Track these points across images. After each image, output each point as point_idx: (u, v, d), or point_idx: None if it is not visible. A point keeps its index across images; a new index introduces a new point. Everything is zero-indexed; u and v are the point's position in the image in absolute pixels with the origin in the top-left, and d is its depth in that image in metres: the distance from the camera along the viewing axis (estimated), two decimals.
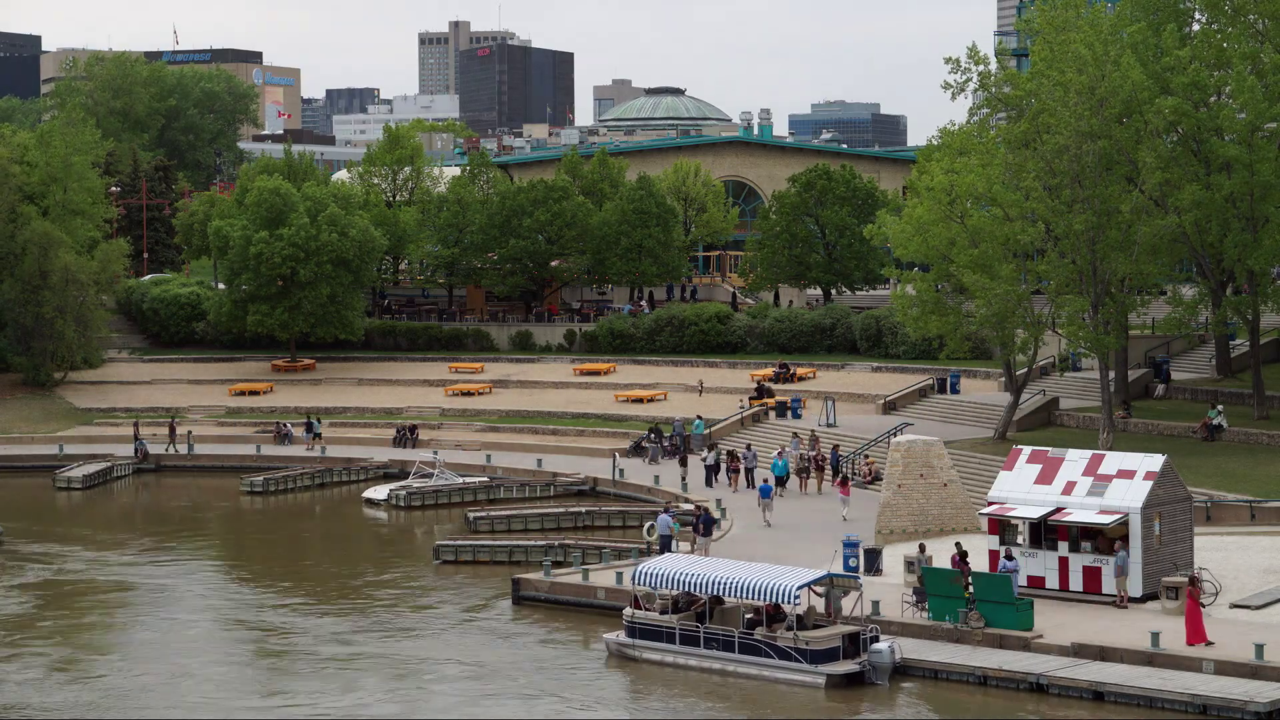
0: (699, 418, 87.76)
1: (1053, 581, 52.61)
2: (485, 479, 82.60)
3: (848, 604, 49.54)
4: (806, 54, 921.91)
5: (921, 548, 54.78)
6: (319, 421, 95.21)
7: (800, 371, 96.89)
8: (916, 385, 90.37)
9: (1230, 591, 51.90)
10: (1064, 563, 52.57)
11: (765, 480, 71.01)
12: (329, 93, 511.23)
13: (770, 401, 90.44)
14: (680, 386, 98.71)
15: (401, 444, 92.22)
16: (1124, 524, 51.69)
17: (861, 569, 56.19)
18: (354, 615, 57.43)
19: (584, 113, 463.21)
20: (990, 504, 54.28)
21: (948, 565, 51.91)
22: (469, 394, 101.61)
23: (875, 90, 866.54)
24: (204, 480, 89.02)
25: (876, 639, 47.77)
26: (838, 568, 54.69)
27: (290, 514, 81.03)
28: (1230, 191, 73.36)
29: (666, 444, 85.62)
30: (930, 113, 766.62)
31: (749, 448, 78.99)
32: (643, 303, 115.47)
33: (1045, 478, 53.71)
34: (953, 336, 79.28)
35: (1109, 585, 51.79)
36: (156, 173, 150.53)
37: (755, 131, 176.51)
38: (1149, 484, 51.89)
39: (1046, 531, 52.91)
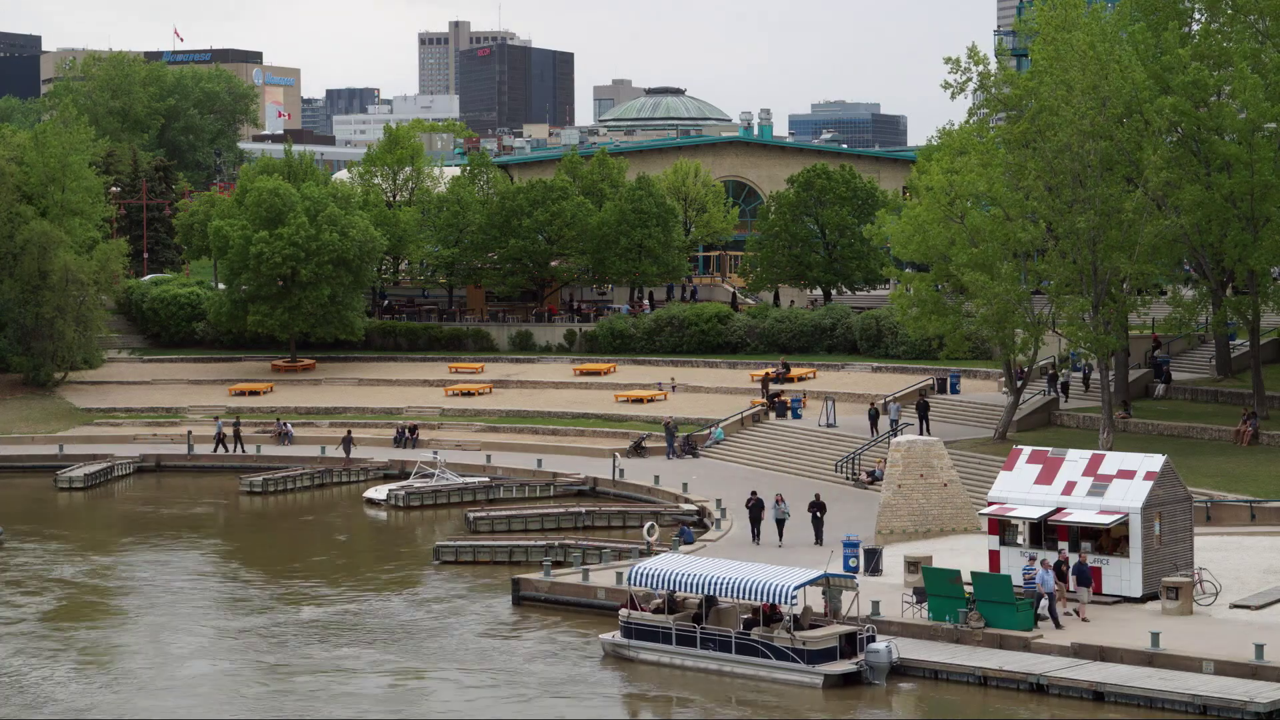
0: (718, 427, 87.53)
1: None
2: (485, 479, 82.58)
3: (845, 603, 49.54)
4: (806, 54, 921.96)
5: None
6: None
7: (799, 372, 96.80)
8: (916, 385, 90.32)
9: (1230, 591, 51.89)
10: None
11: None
12: (329, 93, 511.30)
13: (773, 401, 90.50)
14: (681, 386, 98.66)
15: (402, 444, 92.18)
16: (1124, 524, 51.69)
17: (861, 569, 56.19)
18: (353, 615, 57.41)
19: (584, 113, 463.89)
20: (990, 504, 54.26)
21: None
22: (469, 394, 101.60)
23: (875, 90, 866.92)
24: (204, 480, 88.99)
25: (873, 639, 47.75)
26: (836, 568, 54.66)
27: (290, 514, 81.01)
28: (1230, 191, 73.34)
29: (683, 443, 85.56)
30: (930, 113, 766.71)
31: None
32: (643, 303, 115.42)
33: (1045, 478, 53.70)
34: (952, 336, 79.27)
35: (1108, 585, 51.80)
36: (156, 173, 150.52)
37: (755, 131, 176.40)
38: (1149, 484, 51.87)
39: (1046, 532, 52.91)
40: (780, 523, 64.28)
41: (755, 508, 64.99)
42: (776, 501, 64.98)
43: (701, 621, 49.62)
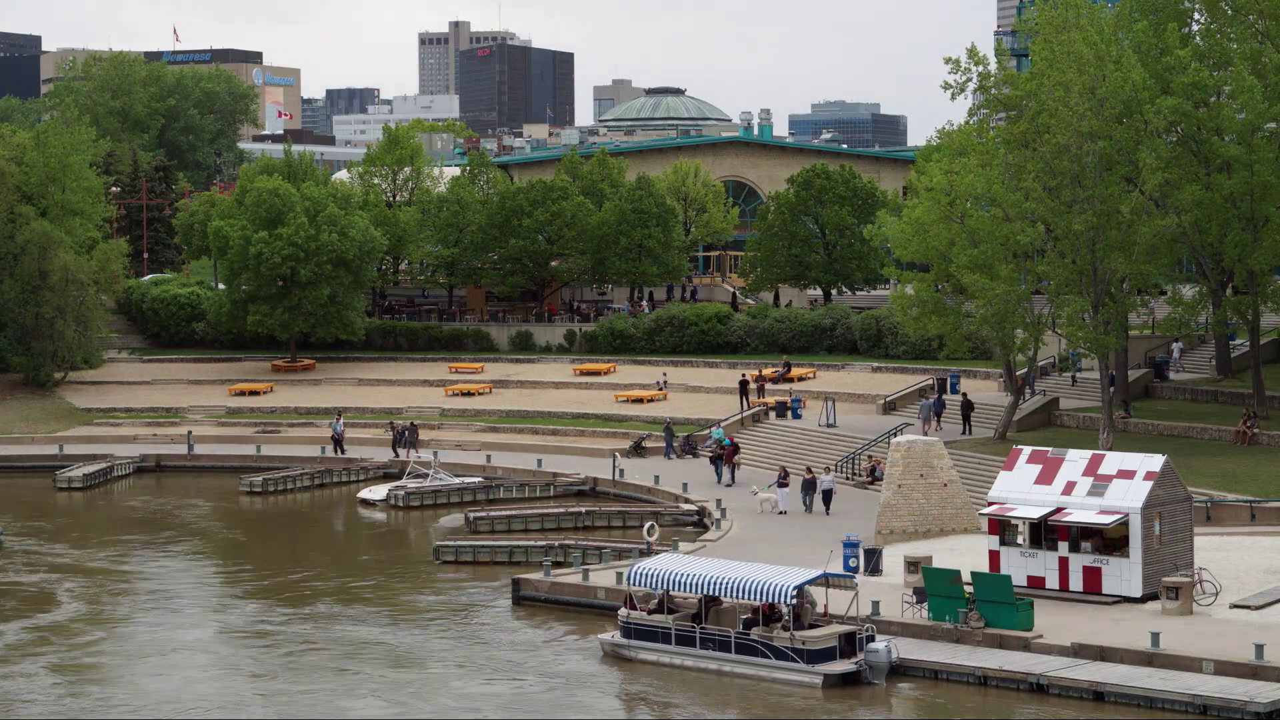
0: (719, 426, 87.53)
1: (1053, 581, 52.63)
2: (481, 479, 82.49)
3: (844, 603, 49.57)
4: (807, 54, 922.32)
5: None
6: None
7: (799, 372, 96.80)
8: (916, 385, 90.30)
9: (1230, 591, 51.91)
10: (1064, 563, 52.60)
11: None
12: (329, 93, 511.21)
13: (769, 401, 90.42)
14: (681, 386, 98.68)
15: (402, 444, 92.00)
16: (1124, 524, 51.71)
17: (861, 569, 56.21)
18: (353, 615, 57.42)
19: (584, 113, 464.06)
20: (990, 504, 54.29)
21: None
22: (469, 394, 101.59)
23: (875, 90, 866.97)
24: (203, 480, 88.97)
25: (873, 639, 47.76)
26: (836, 567, 54.68)
27: (289, 514, 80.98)
28: (1230, 191, 73.37)
29: (684, 444, 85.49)
30: (930, 113, 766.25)
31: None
32: (643, 303, 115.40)
33: (1045, 478, 53.72)
34: (952, 336, 79.25)
35: (1108, 585, 51.84)
36: (156, 173, 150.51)
37: (755, 131, 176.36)
38: (1149, 484, 51.90)
39: (1046, 531, 52.93)
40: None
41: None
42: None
43: (701, 621, 49.62)
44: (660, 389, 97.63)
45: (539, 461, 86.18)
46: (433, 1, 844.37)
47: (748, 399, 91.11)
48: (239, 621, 57.50)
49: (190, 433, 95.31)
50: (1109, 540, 52.34)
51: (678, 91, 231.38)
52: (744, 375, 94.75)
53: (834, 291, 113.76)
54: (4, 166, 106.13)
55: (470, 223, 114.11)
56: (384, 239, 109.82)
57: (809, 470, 71.47)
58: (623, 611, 50.89)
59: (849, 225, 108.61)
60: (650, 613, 50.35)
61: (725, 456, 77.96)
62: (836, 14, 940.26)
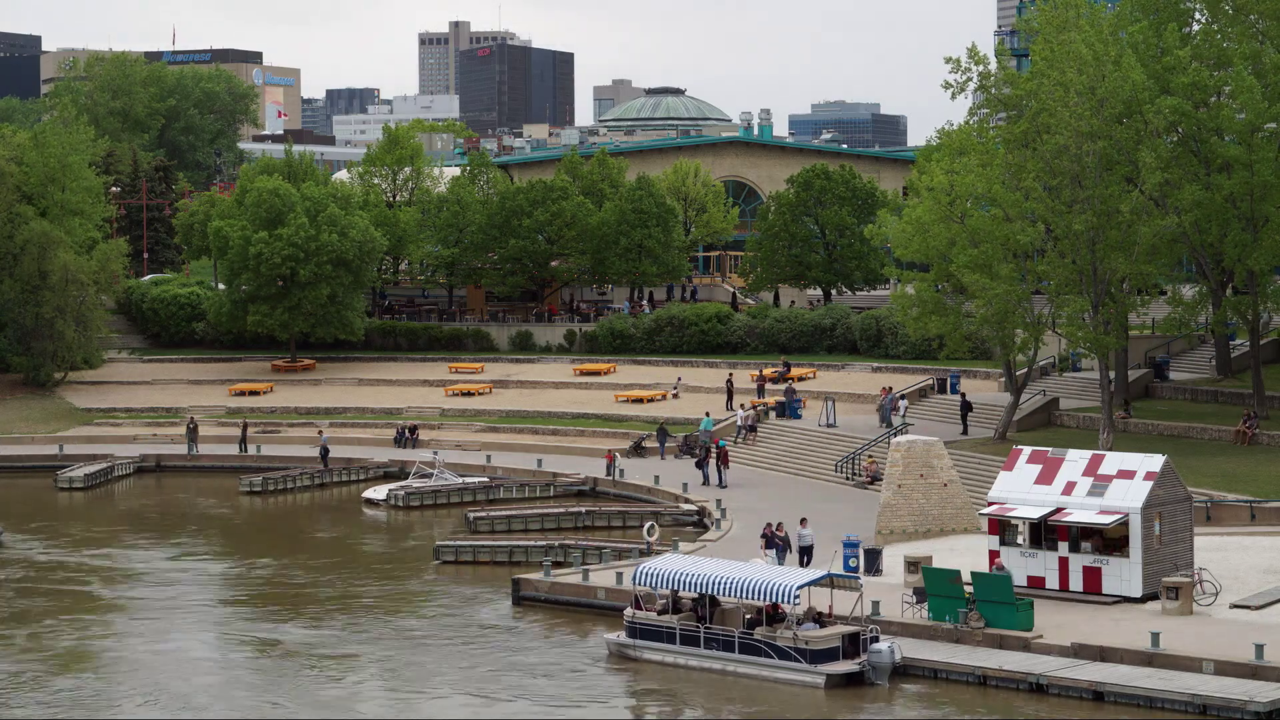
0: (707, 414, 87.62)
1: (1053, 581, 52.65)
2: (485, 479, 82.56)
3: (848, 604, 49.60)
4: (807, 54, 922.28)
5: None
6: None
7: (799, 372, 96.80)
8: (916, 385, 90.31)
9: (1230, 591, 51.92)
10: (1064, 563, 52.62)
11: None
12: (329, 93, 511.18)
13: (769, 401, 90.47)
14: (682, 387, 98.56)
15: (402, 444, 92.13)
16: (1124, 524, 51.73)
17: (861, 569, 56.21)
18: (353, 615, 57.43)
19: (584, 113, 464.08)
20: (990, 504, 54.30)
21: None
22: (469, 394, 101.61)
23: (875, 90, 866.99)
24: (203, 480, 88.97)
25: (876, 639, 47.78)
26: (838, 568, 54.69)
27: (289, 514, 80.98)
28: (1230, 191, 73.38)
29: (682, 444, 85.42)
30: (930, 113, 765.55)
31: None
32: (643, 303, 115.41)
33: (1045, 478, 53.73)
34: (952, 336, 79.27)
35: (1108, 585, 51.85)
36: (156, 173, 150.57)
37: (755, 131, 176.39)
38: (1149, 484, 51.92)
39: (1046, 532, 52.95)
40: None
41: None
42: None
43: (705, 621, 49.65)
44: (666, 391, 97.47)
45: (539, 461, 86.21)
46: (433, 1, 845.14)
47: (733, 400, 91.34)
48: (238, 622, 57.52)
49: (192, 425, 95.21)
50: (1109, 540, 52.40)
51: (678, 91, 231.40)
52: (730, 376, 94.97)
53: (834, 291, 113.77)
54: (4, 166, 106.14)
55: (470, 223, 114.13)
56: (384, 239, 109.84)
57: (771, 526, 59.60)
58: (628, 611, 50.90)
59: (849, 225, 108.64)
60: (660, 613, 50.37)
61: (722, 458, 77.78)
62: (837, 14, 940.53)
